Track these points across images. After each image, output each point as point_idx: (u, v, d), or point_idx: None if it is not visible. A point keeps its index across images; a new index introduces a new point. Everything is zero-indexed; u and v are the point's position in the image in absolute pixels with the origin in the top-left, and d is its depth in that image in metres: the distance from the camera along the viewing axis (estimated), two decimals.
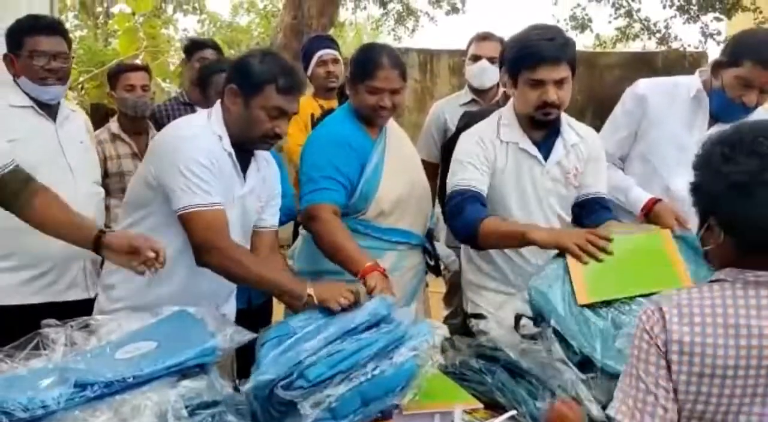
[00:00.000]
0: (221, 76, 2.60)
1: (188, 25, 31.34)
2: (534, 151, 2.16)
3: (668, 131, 2.31)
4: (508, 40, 2.16)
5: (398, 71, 2.24)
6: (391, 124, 2.43)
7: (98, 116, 7.91)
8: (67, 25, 13.12)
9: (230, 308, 2.17)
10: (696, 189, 1.24)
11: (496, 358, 1.83)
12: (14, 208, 1.93)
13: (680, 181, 2.24)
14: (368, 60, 2.24)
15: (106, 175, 3.03)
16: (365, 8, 11.32)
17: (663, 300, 1.21)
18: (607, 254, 1.79)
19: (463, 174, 2.14)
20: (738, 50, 2.16)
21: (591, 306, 1.76)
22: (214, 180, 1.88)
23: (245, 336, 1.61)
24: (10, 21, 2.42)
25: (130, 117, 3.13)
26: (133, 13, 8.50)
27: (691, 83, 2.34)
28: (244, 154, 2.00)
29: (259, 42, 13.45)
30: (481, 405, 1.72)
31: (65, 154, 2.37)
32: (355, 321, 1.61)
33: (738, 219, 1.16)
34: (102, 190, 2.63)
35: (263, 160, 2.09)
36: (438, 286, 3.28)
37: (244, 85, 1.90)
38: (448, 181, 2.19)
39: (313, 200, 2.18)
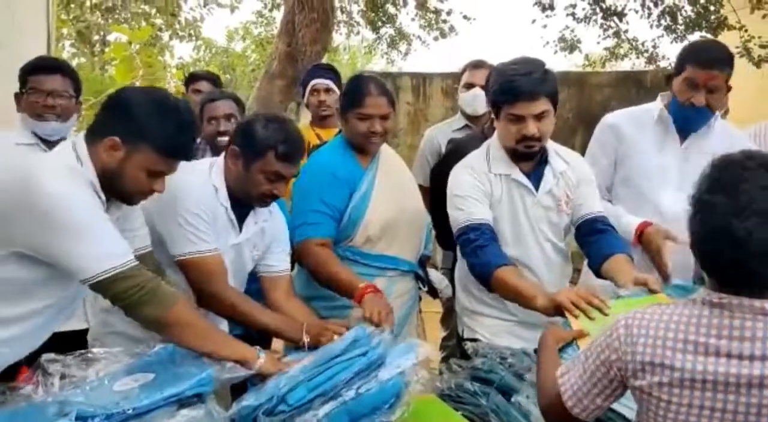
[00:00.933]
0: (211, 104, 2.80)
1: (184, 52, 31.66)
2: (525, 181, 2.18)
3: (644, 155, 2.38)
4: (492, 74, 2.19)
5: (386, 98, 2.30)
6: (386, 151, 2.47)
7: None
8: (64, 54, 13.24)
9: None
10: (690, 218, 1.27)
11: (490, 381, 1.87)
12: (134, 317, 1.66)
13: (667, 200, 2.31)
14: (356, 89, 2.31)
15: None
16: (358, 33, 11.45)
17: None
18: (603, 314, 1.76)
19: (471, 208, 2.14)
20: (681, 58, 2.30)
21: None
22: (207, 227, 1.95)
23: (239, 372, 1.64)
24: (8, 49, 2.47)
25: None
26: (129, 42, 8.59)
27: (654, 106, 2.43)
28: (242, 206, 2.06)
29: (255, 68, 13.58)
30: None
31: None
32: (335, 351, 1.65)
33: (708, 262, 1.22)
34: None
35: (266, 211, 2.14)
36: (437, 306, 3.30)
37: (246, 149, 1.97)
38: (454, 214, 2.19)
39: (303, 235, 2.26)
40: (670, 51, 9.67)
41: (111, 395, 1.50)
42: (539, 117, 2.06)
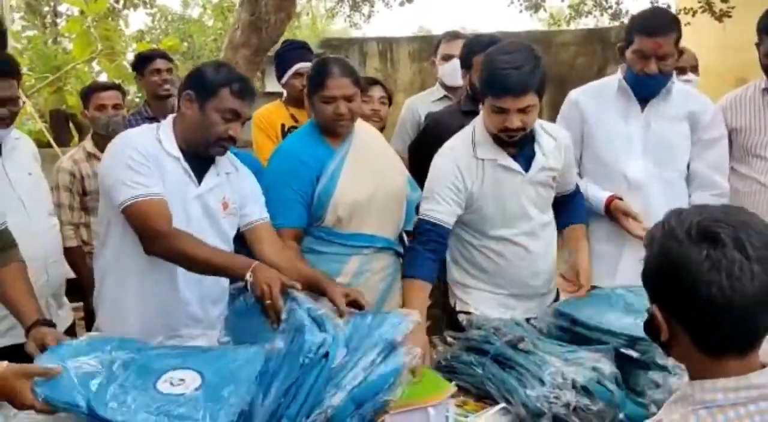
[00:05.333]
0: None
1: (139, 20, 30.74)
2: (513, 164, 2.21)
3: (607, 127, 2.47)
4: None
5: (349, 78, 2.28)
6: (360, 129, 2.46)
7: (57, 120, 7.79)
8: (15, 27, 12.77)
9: (217, 312, 2.17)
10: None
11: (485, 351, 1.92)
12: None
13: (632, 168, 2.45)
14: (319, 72, 2.31)
15: (84, 193, 3.04)
16: None
17: None
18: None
19: (432, 204, 2.20)
20: (629, 28, 2.38)
21: None
22: (150, 172, 1.94)
23: None
24: None
25: (103, 135, 3.13)
26: (81, 12, 8.34)
27: (615, 78, 2.51)
28: (200, 160, 2.06)
29: (216, 38, 13.29)
30: (453, 388, 1.81)
31: (15, 188, 2.29)
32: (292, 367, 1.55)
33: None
34: (56, 223, 2.59)
35: (228, 164, 2.14)
36: None
37: (199, 90, 1.99)
38: (423, 200, 2.26)
39: (274, 223, 2.23)
40: (633, 7, 9.72)
41: (153, 397, 1.46)
42: (524, 110, 2.06)
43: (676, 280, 1.00)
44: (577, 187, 2.46)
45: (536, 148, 2.24)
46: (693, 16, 7.03)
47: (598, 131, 2.49)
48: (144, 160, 1.94)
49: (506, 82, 2.01)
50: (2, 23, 1.46)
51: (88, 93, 3.14)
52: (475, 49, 2.59)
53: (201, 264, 1.92)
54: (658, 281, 1.05)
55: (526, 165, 2.22)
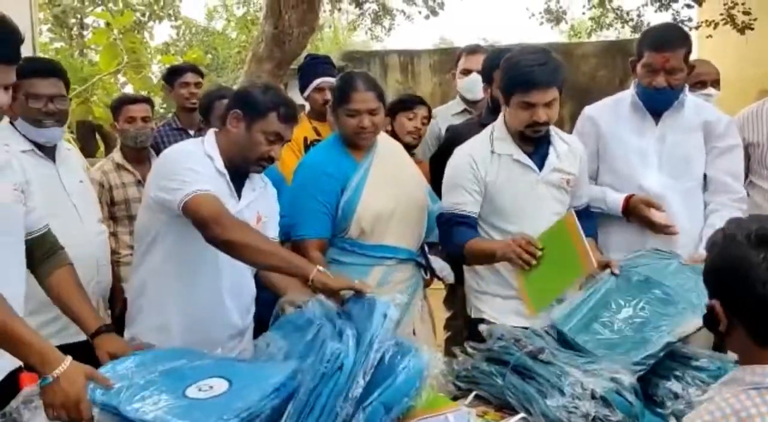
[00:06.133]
0: (223, 101, 2.72)
1: (163, 32, 31.19)
2: (528, 161, 2.29)
3: (623, 141, 2.51)
4: (503, 61, 2.27)
5: (374, 93, 2.37)
6: (383, 142, 2.52)
7: (84, 131, 7.94)
8: (43, 39, 13.04)
9: (249, 320, 2.23)
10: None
11: (506, 362, 1.93)
12: (36, 273, 1.89)
13: (648, 182, 2.46)
14: (344, 86, 2.39)
15: (112, 203, 3.10)
16: (339, 9, 11.39)
17: None
18: (537, 257, 2.04)
19: (455, 198, 2.30)
20: (639, 44, 2.43)
21: None
22: (206, 177, 1.99)
23: None
24: None
25: (132, 147, 3.19)
26: (108, 24, 8.51)
27: (628, 93, 2.55)
28: (237, 176, 2.12)
29: (240, 50, 13.48)
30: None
31: (69, 196, 2.38)
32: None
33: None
34: (105, 229, 2.67)
35: (259, 180, 2.22)
36: (441, 284, 3.37)
37: (247, 111, 2.05)
38: (445, 196, 2.35)
39: (301, 234, 2.32)
40: (655, 19, 9.70)
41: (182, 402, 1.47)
42: (549, 104, 2.17)
43: (736, 279, 1.17)
44: (588, 207, 2.48)
45: (550, 149, 2.32)
46: (714, 28, 7.02)
47: (613, 146, 2.52)
48: (201, 168, 2.01)
49: (534, 77, 2.13)
50: (19, 32, 1.51)
51: (119, 105, 3.20)
52: (496, 62, 2.63)
53: (264, 256, 1.92)
54: (719, 279, 1.22)
55: (541, 164, 2.30)
